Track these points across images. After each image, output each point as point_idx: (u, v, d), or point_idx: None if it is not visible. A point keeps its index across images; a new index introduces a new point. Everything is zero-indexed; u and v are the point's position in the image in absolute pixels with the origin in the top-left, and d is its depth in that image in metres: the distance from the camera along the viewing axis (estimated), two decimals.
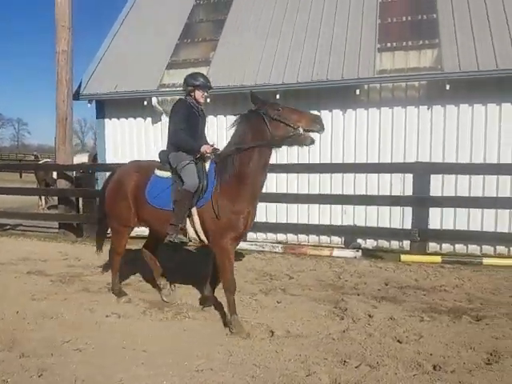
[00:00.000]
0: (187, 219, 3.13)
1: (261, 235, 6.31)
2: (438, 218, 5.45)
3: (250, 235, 5.89)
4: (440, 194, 5.35)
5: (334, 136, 6.02)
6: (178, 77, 6.58)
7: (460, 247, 5.49)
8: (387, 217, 5.74)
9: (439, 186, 5.46)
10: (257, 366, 2.49)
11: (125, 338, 2.84)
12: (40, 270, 4.53)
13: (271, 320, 3.15)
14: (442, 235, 5.25)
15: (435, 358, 2.53)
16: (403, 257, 4.74)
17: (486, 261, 4.56)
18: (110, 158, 6.94)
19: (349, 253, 5.09)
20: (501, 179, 5.32)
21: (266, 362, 2.54)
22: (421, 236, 4.83)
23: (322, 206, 5.98)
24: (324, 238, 6.06)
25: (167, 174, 3.26)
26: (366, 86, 5.88)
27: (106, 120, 6.96)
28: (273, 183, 6.02)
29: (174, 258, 4.67)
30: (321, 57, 6.13)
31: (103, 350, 2.70)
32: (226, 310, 3.11)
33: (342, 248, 5.46)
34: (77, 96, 6.72)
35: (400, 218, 5.65)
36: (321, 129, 2.86)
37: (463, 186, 5.46)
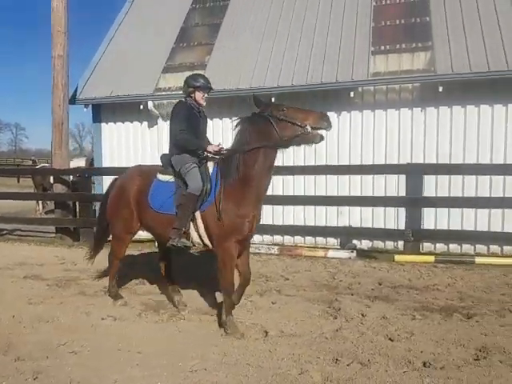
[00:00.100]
0: (191, 223, 3.09)
1: (257, 237, 6.35)
2: (432, 218, 5.51)
3: None
4: (434, 195, 5.42)
5: (329, 138, 6.06)
6: (173, 81, 6.66)
7: (454, 247, 5.54)
8: (382, 218, 5.79)
9: (433, 186, 5.53)
10: (250, 366, 2.52)
11: (120, 341, 2.86)
12: (36, 275, 4.56)
13: (266, 320, 3.18)
14: (436, 235, 5.30)
15: (425, 355, 2.57)
16: (397, 257, 4.80)
17: (478, 260, 4.62)
18: (107, 162, 6.98)
19: (343, 253, 5.14)
20: (494, 179, 5.39)
21: (259, 361, 2.58)
22: (414, 236, 4.88)
23: (317, 207, 6.03)
24: (320, 240, 6.11)
25: (169, 177, 3.24)
26: (360, 89, 5.95)
27: (103, 124, 7.00)
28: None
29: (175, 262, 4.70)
30: (315, 60, 6.20)
31: (98, 352, 2.73)
32: (221, 310, 3.13)
33: (336, 249, 5.51)
34: (73, 100, 6.77)
35: (394, 218, 5.70)
36: (328, 126, 2.83)
37: (457, 186, 5.52)
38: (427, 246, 5.54)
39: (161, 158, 3.42)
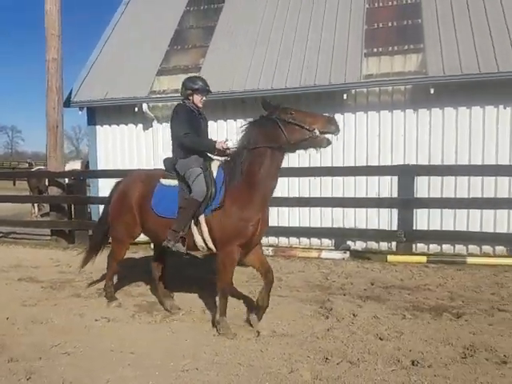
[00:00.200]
0: (195, 227, 3.05)
1: None
2: (425, 219, 5.57)
3: None
4: (427, 196, 5.47)
5: None
6: (168, 83, 6.70)
7: (447, 247, 5.59)
8: (376, 219, 5.84)
9: (426, 187, 5.59)
10: (241, 365, 2.55)
11: (113, 341, 2.89)
12: (31, 277, 4.57)
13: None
14: (428, 236, 5.36)
15: (414, 354, 2.61)
16: (390, 257, 4.85)
17: (469, 260, 4.67)
18: (102, 164, 7.00)
19: (337, 254, 5.18)
20: (485, 180, 5.45)
21: (250, 360, 2.61)
22: (407, 237, 4.93)
23: (312, 208, 6.07)
24: (315, 241, 6.15)
25: (173, 182, 3.21)
26: (353, 91, 6.01)
27: (98, 127, 7.02)
28: None
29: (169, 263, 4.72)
30: (309, 62, 6.26)
31: (91, 353, 2.75)
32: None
33: (330, 250, 5.55)
34: (68, 103, 6.79)
35: (388, 219, 5.75)
36: (336, 130, 2.81)
37: (449, 187, 5.58)
38: (420, 246, 5.59)
39: (164, 161, 3.39)
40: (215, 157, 3.22)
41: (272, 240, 6.26)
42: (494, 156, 5.53)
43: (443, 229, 5.48)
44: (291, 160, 5.86)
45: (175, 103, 6.44)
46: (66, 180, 6.90)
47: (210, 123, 6.46)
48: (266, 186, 2.92)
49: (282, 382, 2.37)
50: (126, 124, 6.93)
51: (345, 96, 5.89)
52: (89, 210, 7.20)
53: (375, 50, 6.19)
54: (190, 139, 3.13)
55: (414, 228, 5.06)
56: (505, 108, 5.53)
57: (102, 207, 6.48)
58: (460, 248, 5.55)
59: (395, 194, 5.32)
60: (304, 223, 6.13)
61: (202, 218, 3.00)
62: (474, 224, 5.45)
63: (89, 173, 7.09)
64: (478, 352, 2.59)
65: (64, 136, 7.17)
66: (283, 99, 6.09)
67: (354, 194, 5.93)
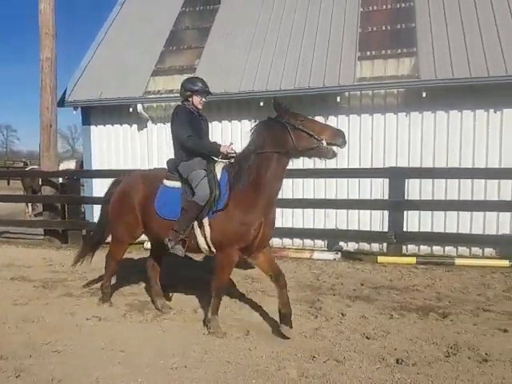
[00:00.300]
0: (198, 229, 3.02)
1: None
2: (416, 221, 5.64)
3: None
4: (418, 198, 5.55)
5: None
6: (163, 84, 6.73)
7: (437, 249, 5.67)
8: (368, 220, 5.90)
9: (417, 189, 5.66)
10: (230, 363, 2.59)
11: (104, 340, 2.91)
12: (23, 276, 4.58)
13: (248, 320, 3.25)
14: (418, 237, 5.44)
15: (399, 353, 2.67)
16: (380, 258, 4.91)
17: (458, 261, 4.75)
18: (97, 164, 7.00)
19: (328, 255, 5.23)
20: (475, 183, 5.53)
21: (238, 359, 2.65)
22: (397, 238, 5.00)
23: (305, 210, 6.12)
24: (308, 242, 6.20)
25: (176, 184, 3.16)
26: (346, 94, 6.07)
27: (92, 127, 7.03)
28: None
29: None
30: (303, 64, 6.31)
31: (82, 351, 2.77)
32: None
33: (322, 251, 5.60)
34: (62, 103, 6.79)
35: (380, 221, 5.82)
36: (343, 143, 2.80)
37: (440, 189, 5.65)
38: (411, 247, 5.66)
39: (167, 162, 3.34)
40: (218, 159, 3.17)
41: None
42: (484, 159, 5.61)
43: (434, 230, 5.56)
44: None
45: (171, 104, 6.66)
46: (60, 180, 6.89)
47: None
48: (272, 189, 2.89)
49: (268, 380, 2.42)
50: (121, 124, 6.94)
51: (338, 98, 5.95)
52: (83, 209, 7.21)
53: (369, 53, 6.26)
54: (193, 142, 3.08)
55: (405, 229, 5.13)
56: (495, 112, 5.62)
57: (96, 207, 6.62)
58: (450, 249, 5.63)
59: (387, 196, 5.40)
60: (297, 224, 6.18)
61: (205, 221, 2.97)
62: (464, 226, 5.53)
63: (82, 172, 7.10)
64: (461, 351, 2.65)
65: (60, 135, 7.16)
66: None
67: (346, 195, 5.99)
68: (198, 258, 4.94)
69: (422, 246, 5.69)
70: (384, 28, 6.61)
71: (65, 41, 43.57)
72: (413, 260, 4.84)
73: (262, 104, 6.18)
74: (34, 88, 6.63)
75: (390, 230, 5.03)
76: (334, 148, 2.83)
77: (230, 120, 6.57)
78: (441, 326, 3.06)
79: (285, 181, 6.05)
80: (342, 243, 5.95)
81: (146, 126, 6.82)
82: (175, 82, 6.71)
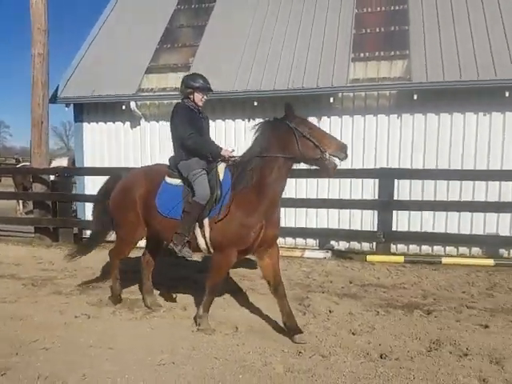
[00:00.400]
0: (198, 230, 3.00)
1: None
2: (405, 221, 5.73)
3: None
4: (408, 198, 5.64)
5: None
6: (157, 81, 6.74)
7: (426, 248, 5.77)
8: (359, 220, 5.99)
9: (407, 189, 5.75)
10: (217, 359, 2.63)
11: (92, 337, 2.92)
12: (12, 274, 4.56)
13: (237, 317, 3.29)
14: (406, 237, 5.54)
15: (383, 348, 2.73)
16: (369, 257, 5.00)
17: (444, 260, 4.85)
18: (89, 162, 6.97)
19: (319, 254, 5.31)
20: (464, 184, 5.63)
21: (226, 355, 2.69)
22: (386, 237, 5.09)
23: (297, 209, 6.18)
24: (300, 241, 6.26)
25: (178, 181, 3.12)
26: (339, 95, 6.13)
27: (85, 124, 6.99)
28: None
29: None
30: (297, 65, 6.36)
31: (70, 348, 2.78)
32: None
33: (312, 249, 5.67)
34: (54, 99, 6.74)
35: (371, 220, 5.90)
36: (345, 158, 2.80)
37: (429, 190, 5.75)
38: (401, 247, 5.75)
39: (169, 160, 3.28)
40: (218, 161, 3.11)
41: None
42: (472, 161, 5.72)
43: (423, 230, 5.65)
44: None
45: (164, 102, 6.67)
46: (52, 177, 6.85)
47: None
48: (275, 192, 2.85)
49: (255, 375, 2.46)
50: (114, 122, 6.92)
51: (332, 99, 6.01)
52: (74, 207, 7.18)
53: (362, 54, 6.33)
54: (194, 141, 3.03)
55: (394, 229, 5.22)
56: (484, 115, 5.73)
57: (88, 205, 6.59)
58: (438, 249, 5.73)
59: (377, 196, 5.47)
60: (289, 223, 6.23)
61: (206, 221, 2.94)
62: (452, 226, 5.63)
63: (74, 170, 7.06)
64: (443, 346, 2.73)
65: (54, 132, 7.13)
66: (271, 101, 6.22)
67: (338, 195, 6.06)
68: (194, 257, 4.96)
69: (411, 246, 5.79)
70: (378, 30, 6.68)
71: (58, 36, 43.01)
72: (401, 259, 4.93)
73: (255, 104, 6.23)
74: (27, 83, 6.57)
75: (379, 230, 5.11)
76: (337, 161, 2.82)
77: (223, 119, 6.60)
78: (425, 323, 3.14)
79: None
80: (333, 242, 6.03)
81: (139, 124, 6.81)
82: (169, 80, 6.74)
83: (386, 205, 5.13)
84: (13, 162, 19.40)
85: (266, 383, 2.37)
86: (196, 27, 7.42)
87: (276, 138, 2.82)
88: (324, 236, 5.99)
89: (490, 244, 5.46)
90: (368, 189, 5.93)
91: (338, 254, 5.39)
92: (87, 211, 6.73)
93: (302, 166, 6.38)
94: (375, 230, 5.35)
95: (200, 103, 3.20)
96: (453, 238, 5.39)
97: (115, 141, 6.95)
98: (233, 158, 3.03)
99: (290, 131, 2.79)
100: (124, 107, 6.56)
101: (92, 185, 6.78)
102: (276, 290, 3.00)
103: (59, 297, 3.82)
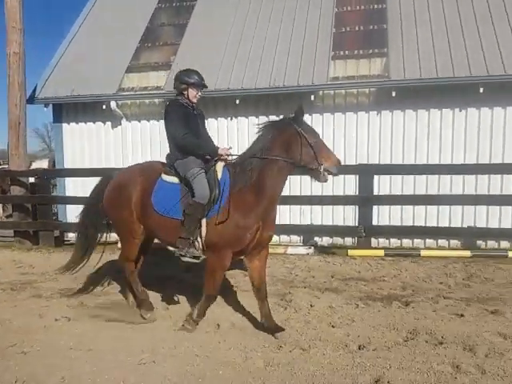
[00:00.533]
0: (197, 231, 2.91)
1: None
2: (386, 215, 5.85)
3: None
4: (388, 193, 5.76)
5: None
6: (138, 80, 6.66)
7: (406, 241, 5.90)
8: (341, 215, 6.07)
9: (387, 185, 5.87)
10: (198, 356, 2.64)
11: (72, 340, 2.88)
12: None
13: (219, 314, 3.29)
14: (386, 231, 5.66)
15: (361, 339, 2.79)
16: (350, 252, 5.08)
17: (423, 253, 4.98)
18: (69, 163, 6.85)
19: (302, 250, 5.36)
20: (441, 178, 5.79)
21: (207, 352, 2.69)
22: (366, 232, 5.18)
23: (281, 206, 6.20)
24: (284, 237, 6.30)
25: (175, 179, 3.03)
26: (320, 92, 6.20)
27: (64, 125, 6.85)
28: None
29: None
30: (278, 63, 6.40)
31: (49, 351, 2.74)
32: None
33: (295, 246, 5.73)
34: (31, 100, 6.59)
35: (353, 216, 5.99)
36: (336, 174, 2.84)
37: (408, 184, 5.88)
38: (382, 241, 5.87)
39: (166, 157, 3.20)
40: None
41: None
42: (449, 156, 5.88)
43: (403, 224, 5.78)
44: None
45: (145, 101, 6.60)
46: (32, 179, 6.69)
47: None
48: (273, 193, 2.82)
49: (235, 370, 2.48)
50: (94, 122, 6.81)
51: (312, 97, 6.07)
52: (55, 210, 7.04)
53: (342, 53, 6.42)
54: (189, 142, 2.95)
55: (374, 223, 5.31)
56: (460, 111, 5.90)
57: (69, 207, 6.46)
58: (418, 242, 5.87)
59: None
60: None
61: (203, 222, 2.87)
62: (431, 219, 5.78)
63: (54, 172, 6.92)
64: (419, 335, 2.80)
65: (36, 134, 6.94)
66: (254, 99, 6.24)
67: (321, 192, 6.12)
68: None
69: (392, 239, 5.92)
70: (357, 28, 6.78)
71: (36, 35, 41.76)
72: (381, 252, 5.03)
73: (237, 102, 6.24)
74: (3, 84, 6.37)
75: (360, 225, 5.20)
76: (329, 176, 2.82)
77: (206, 118, 6.55)
78: (403, 314, 3.22)
79: None
80: (316, 238, 6.10)
81: (120, 124, 6.72)
82: (150, 79, 6.67)
83: (365, 200, 5.22)
84: None
85: (245, 377, 2.39)
86: (177, 26, 7.36)
87: (281, 140, 2.78)
88: (308, 232, 6.05)
89: (468, 236, 5.63)
90: (350, 185, 6.02)
91: (321, 250, 5.46)
92: (68, 213, 6.63)
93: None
94: (357, 225, 5.46)
95: (194, 100, 3.12)
96: (432, 230, 5.54)
97: (96, 141, 6.84)
98: (230, 157, 2.99)
99: (297, 136, 2.75)
100: (104, 107, 6.47)
101: (73, 186, 6.67)
102: (258, 291, 3.00)
103: (39, 300, 3.75)
